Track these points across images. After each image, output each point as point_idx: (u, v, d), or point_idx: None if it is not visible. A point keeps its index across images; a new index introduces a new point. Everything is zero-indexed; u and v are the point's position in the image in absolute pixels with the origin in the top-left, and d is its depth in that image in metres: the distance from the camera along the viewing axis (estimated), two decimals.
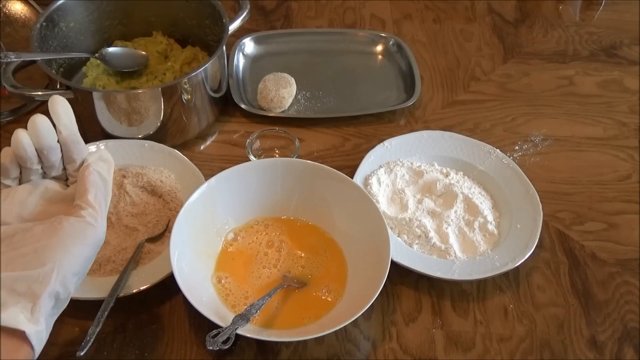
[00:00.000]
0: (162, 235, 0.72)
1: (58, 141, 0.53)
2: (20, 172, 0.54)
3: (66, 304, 0.50)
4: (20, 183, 0.54)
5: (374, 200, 0.71)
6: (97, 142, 0.79)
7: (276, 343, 0.65)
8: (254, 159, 0.79)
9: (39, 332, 0.46)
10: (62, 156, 0.54)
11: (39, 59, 0.78)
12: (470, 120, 0.93)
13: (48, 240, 0.48)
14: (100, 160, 0.56)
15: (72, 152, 0.54)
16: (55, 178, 0.56)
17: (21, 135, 0.51)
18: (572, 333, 0.68)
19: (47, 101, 0.78)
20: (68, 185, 0.56)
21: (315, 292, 0.67)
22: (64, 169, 0.56)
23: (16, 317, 0.45)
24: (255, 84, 0.93)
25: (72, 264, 0.49)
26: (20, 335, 0.45)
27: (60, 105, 0.53)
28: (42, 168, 0.54)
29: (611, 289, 0.72)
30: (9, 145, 0.52)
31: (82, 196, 0.52)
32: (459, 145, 0.84)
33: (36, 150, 0.52)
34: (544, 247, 0.76)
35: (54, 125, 0.53)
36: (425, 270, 0.69)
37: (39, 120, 0.51)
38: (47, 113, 0.53)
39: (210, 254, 0.69)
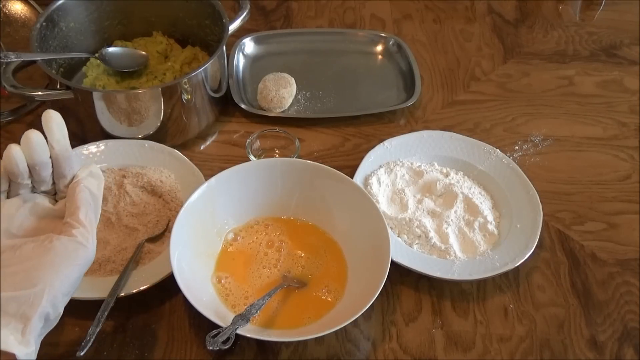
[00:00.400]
0: (162, 235, 0.72)
1: (50, 156, 0.52)
2: (9, 186, 0.53)
3: (55, 324, 0.49)
4: (8, 197, 0.53)
5: (374, 200, 0.71)
6: (97, 142, 0.79)
7: (276, 343, 0.65)
8: (254, 159, 0.79)
9: (29, 354, 0.45)
10: (53, 171, 0.54)
11: (39, 59, 0.78)
12: (470, 120, 0.93)
13: (39, 259, 0.48)
14: (91, 177, 0.55)
15: (63, 168, 0.53)
16: (44, 192, 0.55)
17: (14, 151, 0.50)
18: (572, 333, 0.68)
19: (47, 101, 0.78)
20: (57, 200, 0.56)
21: (315, 292, 0.67)
22: (54, 183, 0.55)
23: (6, 339, 0.44)
24: (255, 84, 0.93)
25: (63, 284, 0.48)
26: (10, 357, 0.44)
27: (54, 120, 0.52)
28: (31, 182, 0.53)
29: (611, 289, 0.72)
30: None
31: (72, 214, 0.51)
32: (459, 145, 0.84)
33: (28, 165, 0.51)
34: (544, 247, 0.76)
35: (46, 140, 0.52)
36: (425, 270, 0.69)
37: (33, 135, 0.50)
38: (33, 123, 0.53)
39: (210, 254, 0.69)
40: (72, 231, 0.50)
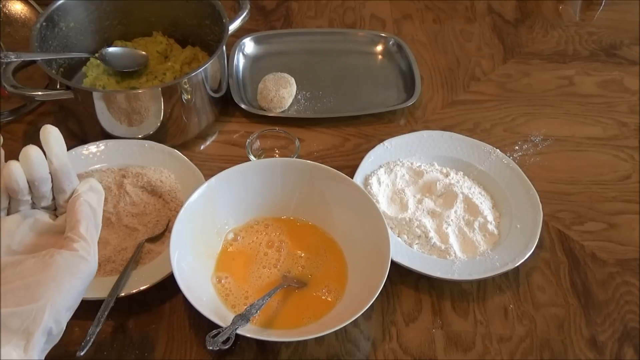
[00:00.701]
0: (162, 235, 0.72)
1: (49, 172, 0.52)
2: (9, 203, 0.52)
3: (58, 339, 0.49)
4: (8, 213, 0.53)
5: (374, 200, 0.71)
6: (97, 142, 0.79)
7: (276, 343, 0.65)
8: (254, 159, 0.79)
9: None
10: (52, 186, 0.53)
11: (39, 59, 0.78)
12: (470, 120, 0.93)
13: (40, 274, 0.47)
14: (91, 191, 0.54)
15: (62, 183, 0.53)
16: (44, 208, 0.54)
17: (13, 168, 0.50)
18: (572, 333, 0.68)
19: (46, 101, 0.78)
20: (57, 216, 0.55)
21: (315, 292, 0.67)
22: (53, 199, 0.54)
23: (9, 356, 0.44)
24: (255, 84, 0.93)
25: (65, 299, 0.47)
26: None
27: (52, 135, 0.51)
28: (31, 199, 0.53)
29: (611, 289, 0.72)
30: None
31: (73, 228, 0.51)
32: (459, 145, 0.84)
33: (27, 181, 0.51)
34: (544, 247, 0.76)
35: (45, 155, 0.51)
36: (425, 270, 0.69)
37: (31, 151, 0.50)
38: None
39: (210, 254, 0.69)
40: (73, 245, 0.49)
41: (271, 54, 1.03)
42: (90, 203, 0.53)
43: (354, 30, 1.08)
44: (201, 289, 0.64)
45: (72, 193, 0.54)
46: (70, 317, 0.49)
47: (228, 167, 0.70)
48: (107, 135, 0.81)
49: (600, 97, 0.98)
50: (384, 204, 0.77)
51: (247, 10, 0.91)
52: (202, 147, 0.87)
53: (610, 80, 1.02)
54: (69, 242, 0.50)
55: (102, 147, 0.79)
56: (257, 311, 0.62)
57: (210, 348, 0.56)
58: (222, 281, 0.67)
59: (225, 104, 0.91)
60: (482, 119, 0.93)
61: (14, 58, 0.76)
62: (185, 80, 0.79)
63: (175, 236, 0.63)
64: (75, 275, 0.49)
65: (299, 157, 0.80)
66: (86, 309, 0.62)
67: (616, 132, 0.92)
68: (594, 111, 0.96)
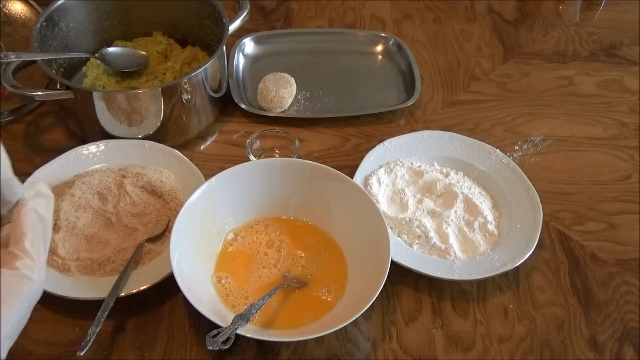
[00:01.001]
0: (162, 235, 0.72)
1: None
2: None
3: None
4: None
5: (374, 200, 0.71)
6: (97, 142, 0.79)
7: (276, 343, 0.65)
8: (254, 159, 0.79)
9: None
10: None
11: (39, 59, 0.78)
12: (470, 120, 0.93)
13: None
14: (38, 197, 0.49)
15: (4, 195, 0.47)
16: None
17: None
18: (572, 333, 0.68)
19: (46, 101, 0.77)
20: (1, 226, 0.49)
21: (315, 292, 0.67)
22: None
23: None
24: (255, 84, 0.93)
25: (4, 326, 0.42)
26: None
27: None
28: None
29: (611, 289, 0.72)
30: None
31: (17, 242, 0.46)
32: (459, 145, 0.84)
33: None
34: (544, 247, 0.76)
35: None
36: (425, 270, 0.69)
37: None
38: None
39: (210, 254, 0.69)
40: (16, 263, 0.44)
41: (271, 54, 1.02)
42: (38, 210, 0.49)
43: (354, 30, 1.08)
44: (201, 289, 0.64)
45: (17, 202, 0.49)
46: (11, 344, 0.44)
47: (228, 167, 0.70)
48: (107, 135, 0.81)
49: (600, 97, 0.98)
50: (384, 204, 0.77)
51: (247, 10, 0.91)
52: (202, 147, 0.87)
53: (610, 80, 1.02)
54: (11, 258, 0.45)
55: (102, 147, 0.79)
56: (257, 311, 0.62)
57: (210, 348, 0.56)
58: (222, 281, 0.67)
59: (225, 104, 0.91)
60: (482, 119, 0.93)
61: (14, 58, 0.76)
62: (185, 80, 0.79)
63: (175, 236, 0.63)
64: (17, 298, 0.44)
65: (299, 157, 0.80)
66: (86, 309, 0.63)
67: (616, 132, 0.92)
68: (594, 111, 0.96)
